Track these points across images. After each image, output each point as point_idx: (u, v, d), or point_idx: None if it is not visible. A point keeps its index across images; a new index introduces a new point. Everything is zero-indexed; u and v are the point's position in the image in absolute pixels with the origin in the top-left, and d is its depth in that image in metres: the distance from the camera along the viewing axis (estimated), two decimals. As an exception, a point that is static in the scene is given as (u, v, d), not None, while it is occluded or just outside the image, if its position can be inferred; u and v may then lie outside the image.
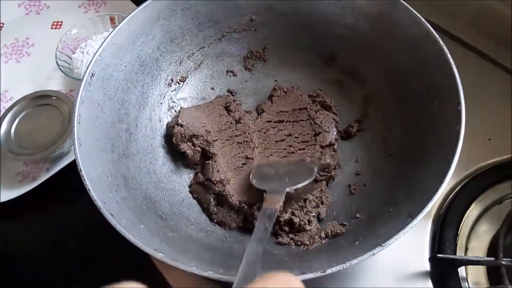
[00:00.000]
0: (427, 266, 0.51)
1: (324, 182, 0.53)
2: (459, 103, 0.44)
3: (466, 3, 0.68)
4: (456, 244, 0.51)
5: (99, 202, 0.39)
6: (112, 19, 0.74)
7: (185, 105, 0.60)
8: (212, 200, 0.52)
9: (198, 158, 0.55)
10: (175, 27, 0.57)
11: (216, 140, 0.55)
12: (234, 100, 0.60)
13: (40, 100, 0.64)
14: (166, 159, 0.55)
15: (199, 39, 0.60)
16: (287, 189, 0.46)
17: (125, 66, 0.53)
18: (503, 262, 0.46)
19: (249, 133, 0.57)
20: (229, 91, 0.63)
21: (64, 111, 0.63)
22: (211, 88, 0.63)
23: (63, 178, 0.61)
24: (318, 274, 0.35)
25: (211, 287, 0.47)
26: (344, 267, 0.35)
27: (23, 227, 0.60)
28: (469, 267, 0.50)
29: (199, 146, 0.54)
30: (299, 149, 0.55)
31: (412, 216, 0.38)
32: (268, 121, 0.58)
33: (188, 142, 0.54)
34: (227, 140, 0.56)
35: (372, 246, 0.36)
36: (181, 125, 0.54)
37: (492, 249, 0.51)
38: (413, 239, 0.53)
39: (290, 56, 0.63)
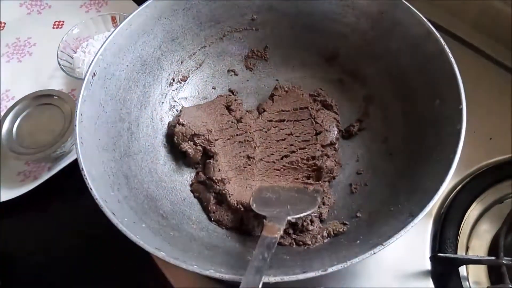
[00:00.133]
0: (428, 265, 0.51)
1: (326, 183, 0.53)
2: (460, 102, 0.44)
3: (467, 2, 0.68)
4: (457, 243, 0.51)
5: (100, 201, 0.39)
6: (113, 19, 0.74)
7: (186, 105, 0.60)
8: (212, 198, 0.52)
9: (199, 157, 0.55)
10: (176, 27, 0.57)
11: (218, 139, 0.55)
12: (235, 100, 0.60)
13: (41, 100, 0.64)
14: (167, 158, 0.55)
15: (201, 39, 0.60)
16: (288, 218, 0.44)
17: (127, 65, 0.53)
18: (503, 261, 0.46)
19: (250, 132, 0.57)
20: (230, 91, 0.63)
21: (66, 111, 0.63)
22: (213, 88, 0.63)
23: (65, 178, 0.61)
24: (319, 273, 0.35)
25: (212, 286, 0.48)
26: (345, 266, 0.35)
27: (24, 227, 0.60)
28: (470, 266, 0.50)
29: (200, 145, 0.54)
30: (300, 148, 0.55)
31: (413, 215, 0.38)
32: (269, 120, 0.58)
33: (189, 141, 0.54)
34: (228, 139, 0.56)
35: (373, 245, 0.37)
36: (183, 124, 0.54)
37: (493, 248, 0.51)
38: (414, 238, 0.53)
39: (291, 56, 0.63)
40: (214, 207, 0.52)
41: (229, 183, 0.52)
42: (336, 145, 0.56)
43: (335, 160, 0.55)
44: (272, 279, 0.35)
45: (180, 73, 0.60)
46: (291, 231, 0.49)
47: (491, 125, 0.60)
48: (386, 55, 0.55)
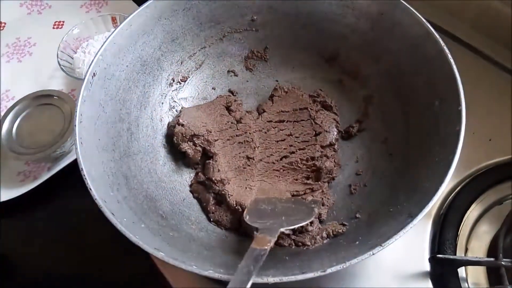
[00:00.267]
0: (427, 266, 0.51)
1: (325, 184, 0.53)
2: (459, 103, 0.44)
3: (466, 3, 0.68)
4: (456, 245, 0.51)
5: (100, 201, 0.39)
6: (113, 19, 0.75)
7: (186, 105, 0.60)
8: (211, 199, 0.52)
9: (199, 158, 0.55)
10: (176, 27, 0.57)
11: (217, 140, 0.56)
12: (235, 100, 0.60)
13: (41, 100, 0.64)
14: (167, 159, 0.55)
15: (201, 39, 0.60)
16: (282, 229, 0.42)
17: (127, 65, 0.53)
18: (503, 263, 0.46)
19: (250, 133, 0.57)
20: (230, 91, 0.63)
21: (66, 111, 0.63)
22: (212, 88, 0.63)
23: (64, 178, 0.61)
24: (318, 273, 0.35)
25: (211, 286, 0.48)
26: (344, 266, 0.35)
27: (24, 227, 0.60)
28: (469, 267, 0.50)
29: (200, 145, 0.54)
30: (300, 149, 0.55)
31: (412, 216, 0.38)
32: (269, 121, 0.58)
33: (189, 142, 0.54)
34: (228, 140, 0.56)
35: (372, 246, 0.37)
36: (182, 125, 0.54)
37: (492, 250, 0.51)
38: (413, 239, 0.52)
39: (291, 56, 0.63)
40: (213, 208, 0.52)
41: (229, 183, 0.52)
42: (336, 146, 0.56)
43: (334, 161, 0.55)
44: (271, 280, 0.35)
45: (180, 73, 0.60)
46: (290, 232, 0.49)
47: (490, 126, 0.60)
48: (386, 55, 0.55)
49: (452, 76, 0.46)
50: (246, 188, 0.53)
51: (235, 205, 0.50)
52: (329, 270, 0.35)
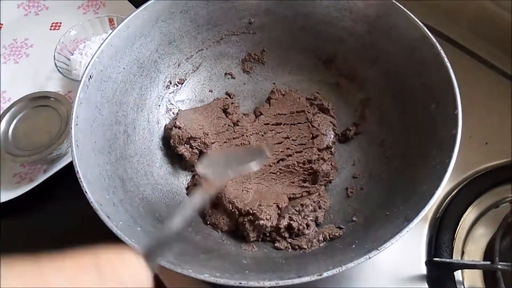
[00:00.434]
0: (423, 270, 0.51)
1: (322, 187, 0.53)
2: (455, 107, 0.44)
3: (463, 6, 0.68)
4: (452, 248, 0.51)
5: (95, 204, 0.39)
6: (111, 21, 0.74)
7: (183, 107, 0.60)
8: (208, 202, 0.52)
9: (196, 160, 0.55)
10: (173, 30, 0.57)
11: (214, 143, 0.55)
12: (232, 103, 0.60)
13: (38, 101, 0.64)
14: (163, 161, 0.55)
15: (198, 42, 0.60)
16: (229, 172, 0.40)
17: (124, 68, 0.53)
18: (499, 266, 0.46)
19: (246, 136, 0.57)
20: (227, 94, 0.63)
21: (62, 113, 0.63)
22: (209, 91, 0.63)
23: (60, 180, 0.61)
24: (315, 277, 0.35)
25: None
26: (340, 270, 0.35)
27: (20, 229, 0.60)
28: (465, 271, 0.50)
29: (197, 148, 0.54)
30: (296, 152, 0.55)
31: (408, 220, 0.38)
32: (266, 124, 0.58)
33: (185, 144, 0.54)
34: (225, 142, 0.56)
35: (369, 250, 0.37)
36: (179, 127, 0.54)
37: (488, 253, 0.51)
38: (410, 242, 0.53)
39: (288, 59, 0.63)
40: (209, 211, 0.52)
41: (225, 186, 0.52)
42: (333, 149, 0.56)
43: (331, 164, 0.55)
44: (267, 284, 0.35)
45: (177, 76, 0.60)
46: (286, 235, 0.49)
47: (487, 129, 0.61)
48: (383, 58, 0.55)
49: (448, 79, 0.46)
50: (242, 190, 0.53)
51: (231, 208, 0.49)
52: (325, 274, 0.35)
